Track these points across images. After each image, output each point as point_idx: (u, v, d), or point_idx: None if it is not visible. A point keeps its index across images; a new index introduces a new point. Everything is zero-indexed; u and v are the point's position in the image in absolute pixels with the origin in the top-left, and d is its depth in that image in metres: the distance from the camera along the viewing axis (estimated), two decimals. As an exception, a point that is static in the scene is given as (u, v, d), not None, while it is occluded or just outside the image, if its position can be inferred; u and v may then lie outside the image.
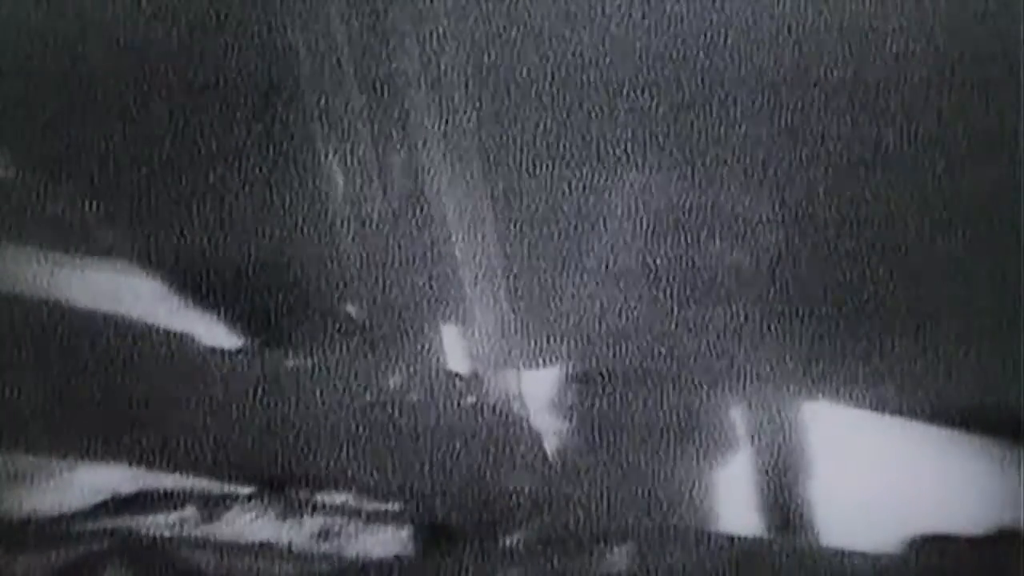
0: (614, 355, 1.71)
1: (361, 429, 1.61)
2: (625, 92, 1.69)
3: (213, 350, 1.65)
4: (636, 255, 1.70)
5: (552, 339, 1.74)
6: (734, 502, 1.69)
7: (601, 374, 1.71)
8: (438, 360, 1.74)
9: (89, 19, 1.69)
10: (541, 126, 1.71)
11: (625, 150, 1.71)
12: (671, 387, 1.69)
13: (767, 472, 1.70)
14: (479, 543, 1.55)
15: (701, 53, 1.68)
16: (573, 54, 1.69)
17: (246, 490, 1.57)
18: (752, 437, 1.71)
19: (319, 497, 1.57)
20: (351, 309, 1.74)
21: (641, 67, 1.69)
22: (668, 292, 1.70)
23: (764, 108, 1.68)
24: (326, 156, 1.73)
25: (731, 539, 1.56)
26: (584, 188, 1.72)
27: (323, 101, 1.72)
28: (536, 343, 1.75)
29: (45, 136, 1.70)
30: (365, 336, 1.72)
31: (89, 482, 1.55)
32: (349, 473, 1.59)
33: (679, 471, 1.67)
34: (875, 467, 1.69)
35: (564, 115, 1.71)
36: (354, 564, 1.53)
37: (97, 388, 1.57)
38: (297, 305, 1.72)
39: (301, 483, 1.58)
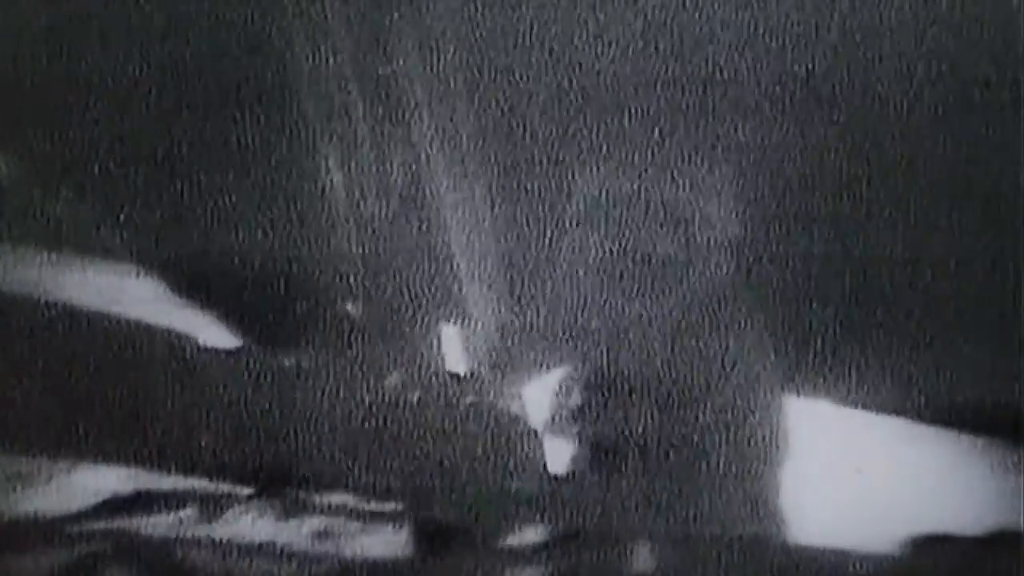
0: (613, 356, 1.71)
1: (361, 429, 1.61)
2: (628, 92, 1.69)
3: (213, 350, 1.65)
4: (635, 255, 1.70)
5: (551, 340, 1.74)
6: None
7: (599, 375, 1.71)
8: (437, 360, 1.74)
9: (89, 19, 1.69)
10: (541, 126, 1.71)
11: (629, 150, 1.71)
12: (669, 386, 1.69)
13: (761, 472, 1.70)
14: (479, 543, 1.55)
15: (702, 53, 1.67)
16: (573, 54, 1.69)
17: (246, 490, 1.57)
18: (749, 437, 1.71)
19: (319, 497, 1.57)
20: (351, 309, 1.74)
21: (643, 67, 1.69)
22: (666, 292, 1.70)
23: (774, 108, 1.68)
24: (326, 156, 1.73)
25: (726, 540, 1.56)
26: (585, 188, 1.72)
27: (323, 101, 1.72)
28: (535, 343, 1.75)
29: (45, 136, 1.70)
30: (365, 336, 1.72)
31: (89, 483, 1.55)
32: (349, 473, 1.59)
33: (675, 472, 1.67)
34: (875, 467, 1.69)
35: (564, 115, 1.71)
36: (353, 564, 1.53)
37: (97, 388, 1.57)
38: (297, 305, 1.72)
39: (300, 483, 1.58)
